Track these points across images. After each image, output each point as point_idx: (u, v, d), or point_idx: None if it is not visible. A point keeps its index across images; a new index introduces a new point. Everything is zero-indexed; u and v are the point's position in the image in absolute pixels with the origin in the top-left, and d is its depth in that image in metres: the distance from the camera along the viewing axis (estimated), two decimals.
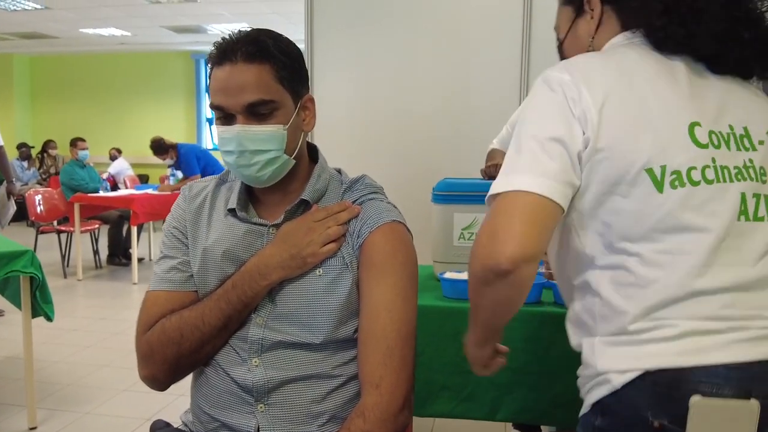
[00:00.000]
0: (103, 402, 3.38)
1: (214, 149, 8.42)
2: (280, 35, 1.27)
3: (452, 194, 2.02)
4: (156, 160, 7.48)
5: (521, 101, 3.24)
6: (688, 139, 1.01)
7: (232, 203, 1.31)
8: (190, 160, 7.11)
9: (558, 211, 1.00)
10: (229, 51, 1.20)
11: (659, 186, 0.99)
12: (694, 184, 0.99)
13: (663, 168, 0.99)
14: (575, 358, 1.62)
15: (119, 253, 7.23)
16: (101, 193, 6.88)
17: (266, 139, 1.22)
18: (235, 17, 8.80)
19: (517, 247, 0.95)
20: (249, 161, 1.22)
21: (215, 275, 1.28)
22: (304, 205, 1.30)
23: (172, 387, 1.31)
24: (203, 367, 1.28)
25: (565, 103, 1.02)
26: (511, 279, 0.97)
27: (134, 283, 6.32)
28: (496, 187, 1.01)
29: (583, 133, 1.00)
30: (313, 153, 1.38)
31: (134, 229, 6.44)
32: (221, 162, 6.75)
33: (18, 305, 2.98)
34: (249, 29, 1.24)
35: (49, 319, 2.95)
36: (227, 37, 1.23)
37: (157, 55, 11.36)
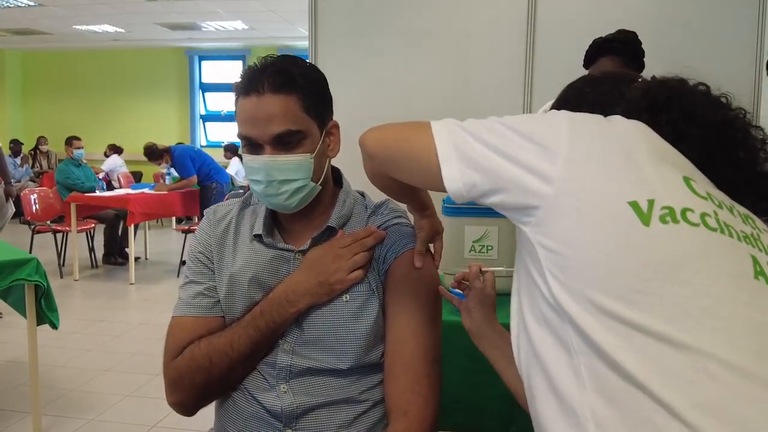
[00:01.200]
0: (108, 408, 3.38)
1: (209, 146, 8.41)
2: (305, 62, 1.27)
3: (463, 206, 2.03)
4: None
5: (524, 105, 3.26)
6: (684, 186, 0.87)
7: (258, 229, 1.32)
8: (185, 162, 7.08)
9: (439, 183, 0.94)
10: (255, 81, 1.20)
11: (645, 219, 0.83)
12: (692, 225, 0.82)
13: (651, 202, 0.83)
14: None
15: (115, 253, 7.22)
16: (97, 193, 6.86)
17: (294, 169, 1.23)
18: (229, 15, 8.78)
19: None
20: (277, 191, 1.23)
21: (242, 301, 1.29)
22: (330, 231, 1.31)
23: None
24: (230, 391, 1.29)
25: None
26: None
27: (131, 284, 6.31)
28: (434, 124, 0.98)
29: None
30: (336, 176, 1.39)
31: (131, 229, 6.42)
32: (223, 157, 6.74)
33: (22, 312, 2.96)
34: (274, 57, 1.24)
35: (55, 327, 2.94)
36: (253, 66, 1.23)
37: (150, 52, 11.31)
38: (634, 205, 0.82)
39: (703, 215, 0.83)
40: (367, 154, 1.06)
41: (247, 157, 1.24)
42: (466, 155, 0.92)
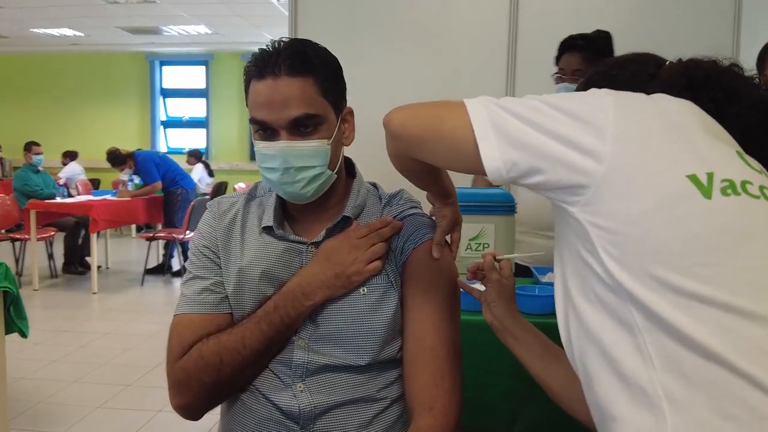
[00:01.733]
0: (78, 420, 3.24)
1: (170, 152, 8.25)
2: (319, 45, 1.22)
3: (459, 204, 2.00)
4: (107, 164, 7.27)
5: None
6: (738, 159, 0.87)
7: (268, 221, 1.25)
8: (149, 168, 6.92)
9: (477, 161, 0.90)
10: (271, 63, 1.14)
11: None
12: (753, 197, 0.82)
13: (710, 175, 0.83)
14: None
15: (76, 261, 7.01)
16: (58, 200, 6.65)
17: (311, 155, 1.17)
18: (193, 18, 8.64)
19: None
20: (293, 178, 1.17)
21: (252, 296, 1.22)
22: (345, 222, 1.25)
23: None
24: (239, 393, 1.22)
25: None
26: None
27: (94, 293, 6.12)
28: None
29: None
30: (348, 167, 1.33)
31: (93, 237, 6.24)
32: (186, 163, 6.60)
33: None
34: (287, 39, 1.19)
35: (24, 335, 2.80)
36: (266, 48, 1.17)
37: (110, 57, 11.05)
38: (693, 178, 0.81)
39: (761, 188, 0.83)
40: (392, 134, 1.01)
41: (261, 144, 1.18)
42: (505, 133, 0.88)
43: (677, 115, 0.89)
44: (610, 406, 0.82)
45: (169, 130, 11.47)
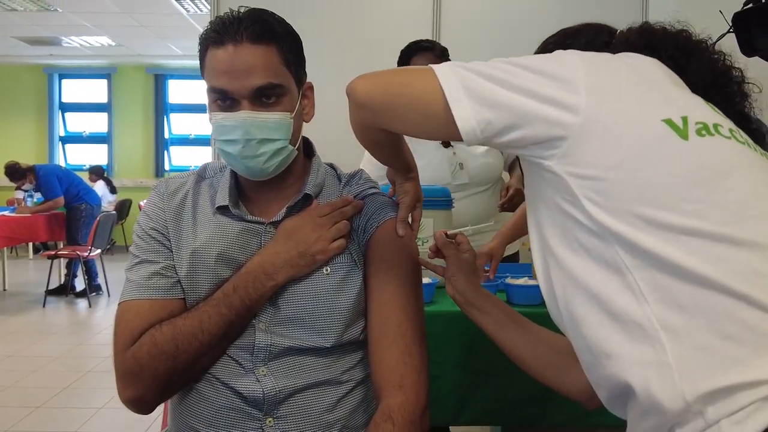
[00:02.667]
0: None
1: (71, 169, 7.86)
2: (279, 16, 1.18)
3: None
4: (2, 181, 6.88)
5: None
6: (706, 105, 0.92)
7: (222, 200, 1.20)
8: (51, 183, 6.57)
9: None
10: (232, 30, 1.10)
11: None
12: (725, 138, 0.86)
13: (684, 119, 0.86)
14: None
15: None
16: None
17: (274, 127, 1.13)
18: (98, 29, 8.31)
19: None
20: (255, 151, 1.12)
21: (208, 279, 1.16)
22: (306, 200, 1.21)
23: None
24: (192, 382, 1.15)
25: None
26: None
27: None
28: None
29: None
30: (306, 147, 1.29)
31: None
32: (88, 180, 6.30)
33: None
34: (248, 8, 1.14)
35: None
36: (225, 15, 1.13)
37: (5, 69, 10.45)
38: (669, 122, 0.84)
39: (731, 130, 0.88)
40: (357, 102, 0.98)
41: (219, 115, 1.13)
42: (477, 94, 0.88)
43: (646, 69, 0.93)
44: (603, 345, 0.83)
45: (68, 146, 10.95)
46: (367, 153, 2.60)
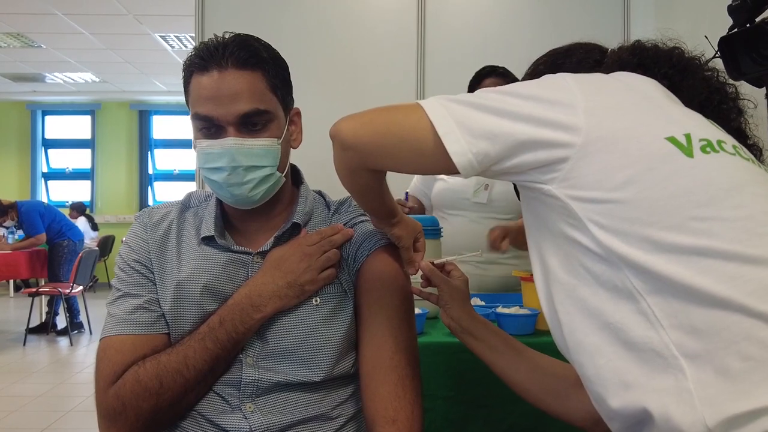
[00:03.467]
0: None
1: (58, 205, 7.80)
2: (264, 41, 1.16)
3: None
4: None
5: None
6: (707, 122, 0.91)
7: (207, 230, 1.16)
8: (33, 219, 6.48)
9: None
10: (217, 56, 1.08)
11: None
12: (730, 154, 0.85)
13: (687, 136, 0.84)
14: None
15: None
16: None
17: (261, 154, 1.10)
18: (82, 65, 8.30)
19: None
20: (242, 179, 1.09)
21: (193, 313, 1.12)
22: (294, 229, 1.18)
23: None
24: (178, 420, 1.10)
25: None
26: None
27: None
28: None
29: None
30: (294, 175, 1.26)
31: None
32: (68, 216, 6.22)
33: None
34: (233, 34, 1.12)
35: None
36: (209, 41, 1.10)
37: None
38: (673, 140, 0.83)
39: (734, 147, 0.87)
40: (343, 145, 0.95)
41: (204, 142, 1.10)
42: (470, 126, 0.86)
43: (643, 87, 0.92)
44: (620, 375, 0.79)
45: (51, 182, 10.87)
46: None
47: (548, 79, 0.92)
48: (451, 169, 0.88)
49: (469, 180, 2.44)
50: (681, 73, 0.98)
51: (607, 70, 1.00)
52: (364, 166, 0.99)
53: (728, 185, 0.80)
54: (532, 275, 1.78)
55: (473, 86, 2.57)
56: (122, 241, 1.24)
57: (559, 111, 0.85)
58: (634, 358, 0.78)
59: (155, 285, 1.15)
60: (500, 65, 2.51)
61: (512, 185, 2.64)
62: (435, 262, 1.26)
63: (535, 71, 1.15)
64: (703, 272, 0.75)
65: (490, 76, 2.48)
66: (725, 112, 0.98)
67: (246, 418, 1.07)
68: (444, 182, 2.58)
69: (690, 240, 0.76)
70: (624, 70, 0.98)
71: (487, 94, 0.90)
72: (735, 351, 0.72)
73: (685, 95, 0.96)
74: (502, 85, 2.57)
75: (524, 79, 1.16)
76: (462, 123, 0.86)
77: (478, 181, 2.46)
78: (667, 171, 0.80)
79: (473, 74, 2.54)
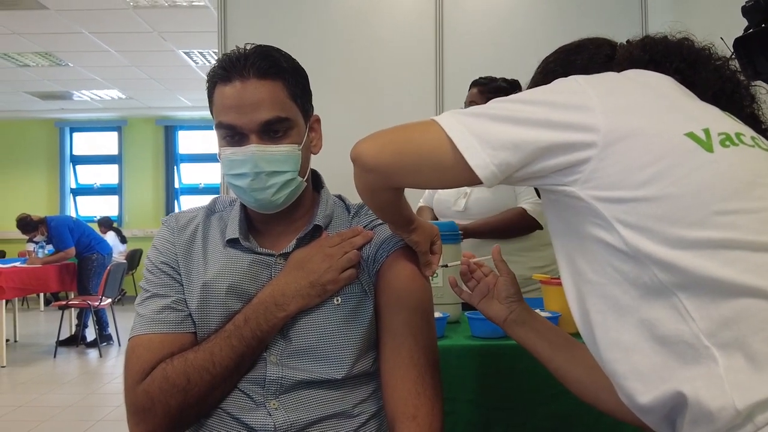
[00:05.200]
0: None
1: (86, 220, 7.93)
2: (284, 51, 1.20)
3: None
4: (14, 234, 6.93)
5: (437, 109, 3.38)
6: (724, 115, 0.91)
7: (232, 233, 1.20)
8: (62, 234, 6.59)
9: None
10: (239, 66, 1.12)
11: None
12: (749, 146, 0.86)
13: (706, 131, 0.85)
14: (549, 390, 1.61)
15: None
16: None
17: (282, 160, 1.14)
18: (108, 82, 8.47)
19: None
20: (264, 184, 1.13)
21: (218, 312, 1.16)
22: (316, 231, 1.22)
23: None
24: (203, 418, 1.14)
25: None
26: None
27: (3, 366, 5.70)
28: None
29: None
30: (315, 180, 1.30)
31: (2, 306, 5.84)
32: (98, 231, 6.31)
33: None
34: (254, 45, 1.17)
35: None
36: (231, 53, 1.15)
37: (17, 124, 10.62)
38: (692, 135, 0.83)
39: (753, 138, 0.87)
40: (365, 168, 0.95)
41: (228, 150, 1.14)
42: (489, 138, 0.87)
43: (657, 84, 0.93)
44: (657, 370, 0.80)
45: (79, 198, 11.06)
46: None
47: (561, 82, 0.93)
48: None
49: (452, 189, 2.49)
50: (693, 66, 0.98)
51: (618, 66, 1.00)
52: (386, 186, 1.01)
53: (750, 177, 0.81)
54: (552, 278, 1.80)
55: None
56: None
57: (576, 113, 0.85)
58: (667, 351, 0.79)
59: (182, 286, 1.19)
60: (515, 71, 2.56)
61: (488, 192, 2.69)
62: (449, 264, 1.28)
63: (546, 69, 1.16)
64: (729, 264, 0.76)
65: (472, 87, 2.56)
66: (738, 100, 0.98)
67: (270, 415, 1.10)
68: (436, 192, 2.64)
69: (715, 234, 0.77)
70: (635, 67, 0.99)
71: (500, 104, 0.91)
72: (763, 337, 0.74)
73: (698, 88, 0.96)
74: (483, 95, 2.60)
75: (534, 77, 1.17)
76: (480, 136, 0.87)
77: (458, 190, 2.51)
78: (689, 167, 0.81)
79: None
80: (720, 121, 0.88)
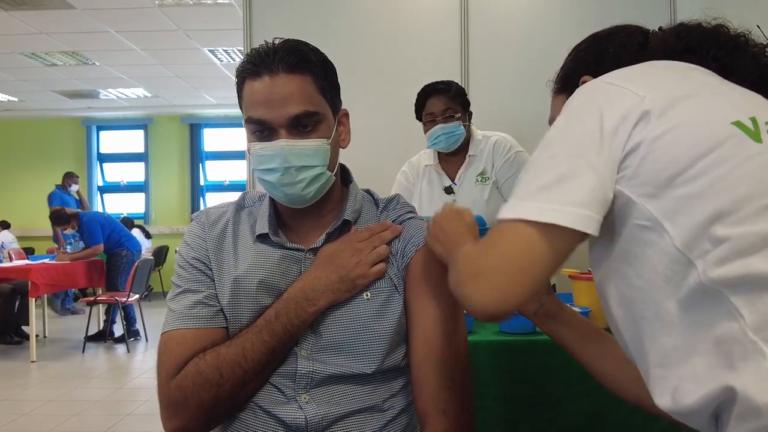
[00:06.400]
0: None
1: (114, 217, 8.02)
2: (312, 45, 1.20)
3: None
4: (43, 231, 7.03)
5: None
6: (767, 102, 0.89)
7: (262, 228, 1.21)
8: (93, 229, 6.69)
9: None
10: (268, 61, 1.12)
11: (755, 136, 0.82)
12: None
13: (753, 119, 0.83)
14: (578, 386, 1.60)
15: (11, 331, 6.63)
16: None
17: (312, 154, 1.14)
18: (134, 81, 8.55)
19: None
20: (294, 179, 1.14)
21: (249, 307, 1.16)
22: (345, 226, 1.22)
23: None
24: (236, 412, 1.15)
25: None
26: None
27: (33, 361, 5.79)
28: None
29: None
30: (343, 175, 1.30)
31: (32, 302, 5.94)
32: (130, 231, 6.34)
33: None
34: (282, 39, 1.17)
35: None
36: (260, 48, 1.15)
37: (45, 122, 10.77)
38: (739, 124, 0.81)
39: None
40: (495, 317, 0.87)
41: (257, 145, 1.14)
42: (564, 209, 0.82)
43: (697, 75, 0.91)
44: (711, 371, 0.77)
45: (106, 196, 11.20)
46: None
47: (584, 107, 0.89)
48: (584, 237, 0.84)
49: (444, 198, 2.52)
50: (731, 54, 0.95)
51: (652, 55, 0.99)
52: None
53: None
54: (581, 273, 1.78)
55: (419, 110, 2.58)
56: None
57: (621, 125, 0.83)
58: (720, 350, 0.76)
59: (213, 281, 1.20)
60: (541, 62, 2.56)
61: (476, 197, 2.69)
62: None
63: (577, 57, 1.14)
64: None
65: (431, 95, 2.54)
66: None
67: (301, 409, 1.10)
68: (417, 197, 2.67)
69: (764, 227, 0.75)
70: (671, 56, 0.97)
71: (551, 161, 0.85)
72: None
73: (737, 76, 0.94)
74: (444, 102, 2.62)
75: (565, 65, 1.16)
76: (557, 212, 0.82)
77: (442, 198, 2.54)
78: (738, 158, 0.79)
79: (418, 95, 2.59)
80: (765, 109, 0.85)
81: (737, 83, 0.93)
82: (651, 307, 0.83)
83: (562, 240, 0.82)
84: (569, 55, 1.16)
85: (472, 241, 1.01)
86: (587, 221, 0.81)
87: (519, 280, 0.83)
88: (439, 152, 2.62)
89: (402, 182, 2.66)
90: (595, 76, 0.97)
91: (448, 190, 2.57)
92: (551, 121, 1.16)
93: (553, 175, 0.83)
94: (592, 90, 0.91)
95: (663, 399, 0.83)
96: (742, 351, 0.75)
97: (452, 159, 2.62)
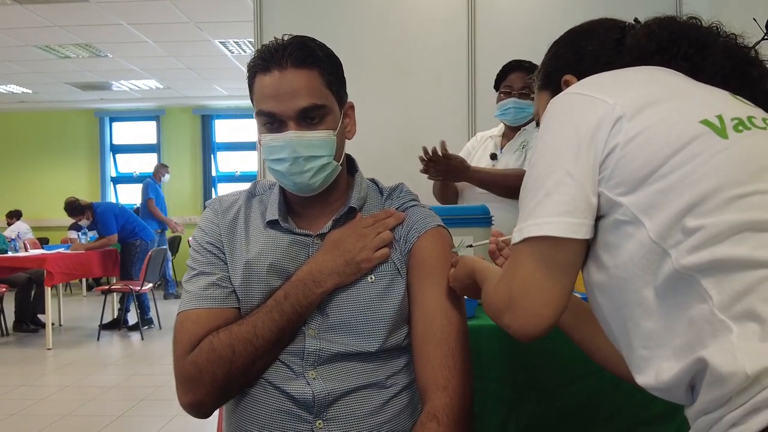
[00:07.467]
0: None
1: (130, 207, 8.12)
2: (320, 41, 1.27)
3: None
4: (57, 221, 7.13)
5: (469, 127, 3.38)
6: (733, 98, 0.93)
7: (272, 214, 1.28)
8: (107, 220, 6.80)
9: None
10: (277, 57, 1.19)
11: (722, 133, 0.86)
12: (760, 128, 0.87)
13: (719, 117, 0.87)
14: (577, 368, 1.65)
15: (27, 319, 6.76)
16: (9, 254, 6.46)
17: (319, 145, 1.20)
18: (146, 72, 8.63)
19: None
20: (302, 168, 1.20)
21: (260, 289, 1.23)
22: (350, 213, 1.29)
23: None
24: (247, 388, 1.22)
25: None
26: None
27: (48, 349, 5.91)
28: None
29: None
30: (349, 165, 1.37)
31: (48, 291, 6.06)
32: (147, 219, 6.40)
33: None
34: (291, 36, 1.23)
35: None
36: (272, 43, 1.22)
37: (58, 114, 10.88)
38: (707, 122, 0.86)
39: (764, 119, 0.89)
40: (536, 335, 0.93)
41: (268, 136, 1.21)
42: (561, 210, 0.89)
43: (666, 77, 0.96)
44: (687, 349, 0.82)
45: (119, 186, 11.31)
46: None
47: (558, 121, 0.94)
48: (584, 242, 0.90)
49: (488, 163, 2.67)
50: (701, 51, 0.99)
51: (628, 54, 1.03)
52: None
53: (761, 160, 0.83)
54: None
55: (499, 81, 2.70)
56: (189, 245, 1.35)
57: (600, 126, 0.89)
58: (694, 330, 0.81)
59: (226, 264, 1.27)
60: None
61: (511, 163, 2.78)
62: (473, 244, 1.33)
63: (557, 54, 1.18)
64: (741, 242, 0.79)
65: (515, 70, 2.64)
66: (751, 79, 0.99)
67: (309, 384, 1.17)
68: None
69: (732, 217, 0.80)
70: (643, 58, 1.01)
71: (539, 179, 0.92)
72: None
73: (707, 72, 0.98)
74: (525, 80, 2.66)
75: (545, 62, 1.21)
76: (550, 215, 0.88)
77: (487, 159, 2.69)
78: (706, 155, 0.83)
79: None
80: (732, 107, 0.90)
81: (707, 80, 0.97)
82: (631, 295, 0.88)
83: (563, 249, 0.89)
84: (549, 51, 1.21)
85: (495, 274, 1.07)
86: (576, 228, 0.88)
87: (547, 299, 0.90)
88: (505, 126, 2.79)
89: (467, 147, 2.87)
90: (576, 75, 1.02)
91: (493, 157, 2.72)
92: (536, 116, 1.22)
93: (542, 191, 0.90)
94: (566, 102, 0.96)
95: (647, 377, 0.88)
96: (711, 329, 0.79)
97: (512, 135, 2.76)
